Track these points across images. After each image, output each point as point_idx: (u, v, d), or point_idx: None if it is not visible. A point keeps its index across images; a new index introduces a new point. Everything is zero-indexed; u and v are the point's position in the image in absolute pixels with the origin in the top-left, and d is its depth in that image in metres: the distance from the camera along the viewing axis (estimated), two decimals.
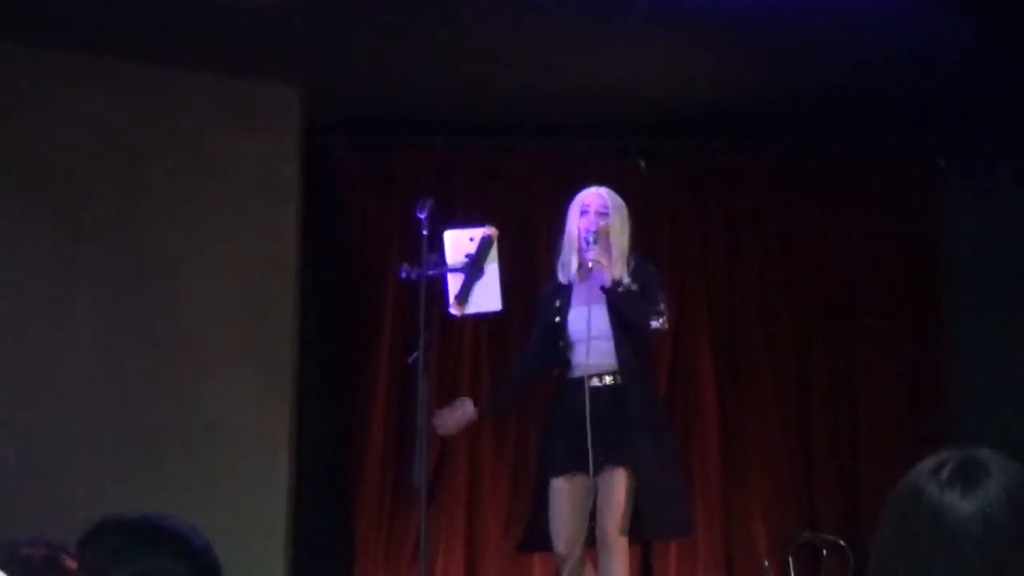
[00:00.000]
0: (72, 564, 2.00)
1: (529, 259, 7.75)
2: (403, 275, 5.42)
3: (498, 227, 5.59)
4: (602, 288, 5.67)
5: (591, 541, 5.65)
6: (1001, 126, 7.58)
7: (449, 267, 5.42)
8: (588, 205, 5.84)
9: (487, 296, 5.47)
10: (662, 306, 5.75)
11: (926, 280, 7.98)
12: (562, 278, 5.90)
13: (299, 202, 7.35)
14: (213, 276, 6.99)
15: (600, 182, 7.68)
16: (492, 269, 5.46)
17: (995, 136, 7.68)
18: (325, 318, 7.78)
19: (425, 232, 5.36)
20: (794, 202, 8.08)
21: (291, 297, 7.22)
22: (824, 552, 7.42)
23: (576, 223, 5.83)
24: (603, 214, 5.80)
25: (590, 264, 5.67)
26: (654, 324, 5.72)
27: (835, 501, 7.73)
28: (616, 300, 5.67)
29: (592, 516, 5.63)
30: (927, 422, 7.68)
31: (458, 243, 5.46)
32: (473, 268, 5.40)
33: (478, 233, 5.46)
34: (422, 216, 5.35)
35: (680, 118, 7.73)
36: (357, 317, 7.84)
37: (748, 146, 8.00)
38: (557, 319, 5.83)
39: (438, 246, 5.42)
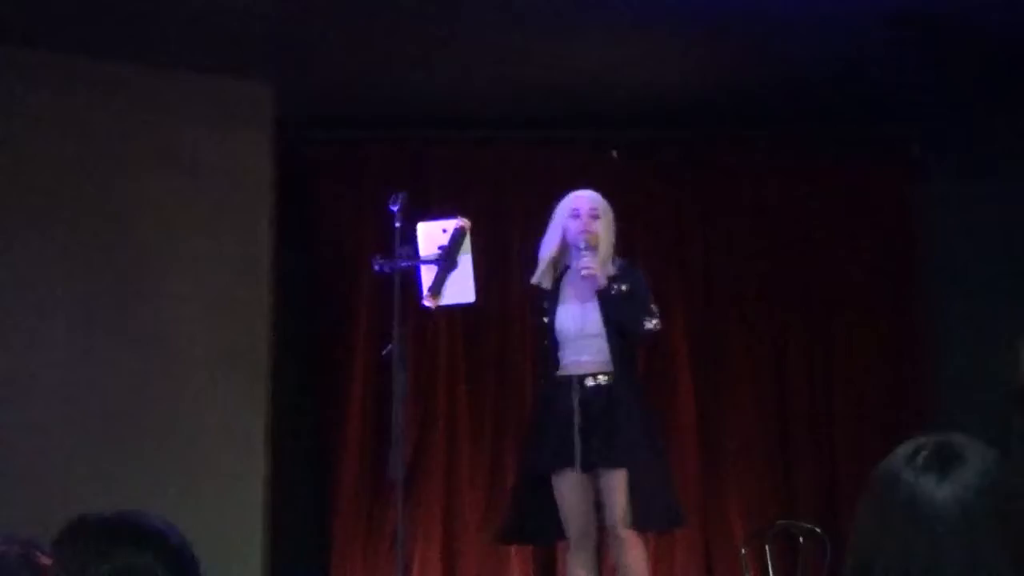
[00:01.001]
0: (46, 561, 2.00)
1: (504, 251, 7.75)
2: (376, 268, 5.42)
3: (472, 220, 5.58)
4: (597, 293, 5.70)
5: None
6: (976, 113, 7.61)
7: (422, 259, 5.41)
8: (579, 209, 5.86)
9: (461, 288, 5.46)
10: (654, 307, 5.78)
11: (903, 267, 8.00)
12: (545, 283, 5.92)
13: (273, 198, 7.34)
14: (187, 272, 6.97)
15: (575, 174, 7.71)
16: (465, 260, 5.45)
17: (969, 123, 7.70)
18: (300, 313, 7.78)
19: (398, 224, 5.35)
20: (770, 192, 8.09)
21: (266, 292, 7.21)
22: (801, 539, 7.44)
23: (564, 226, 5.83)
24: (595, 217, 5.81)
25: (583, 273, 5.68)
26: (647, 325, 5.74)
27: (812, 489, 7.75)
28: (610, 303, 5.70)
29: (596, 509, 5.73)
30: (905, 410, 7.70)
31: (431, 235, 5.45)
32: (446, 260, 5.39)
33: (451, 225, 5.45)
34: (395, 208, 5.34)
35: (654, 109, 7.74)
36: (332, 311, 7.84)
37: (723, 137, 8.02)
38: (545, 319, 5.87)
39: (411, 238, 5.42)
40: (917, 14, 6.47)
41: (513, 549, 7.46)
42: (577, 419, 5.63)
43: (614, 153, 7.89)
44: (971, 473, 1.95)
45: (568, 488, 5.71)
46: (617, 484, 5.62)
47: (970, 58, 7.03)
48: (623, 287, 5.75)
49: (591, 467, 5.63)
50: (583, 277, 5.70)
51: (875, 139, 8.11)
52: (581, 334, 5.76)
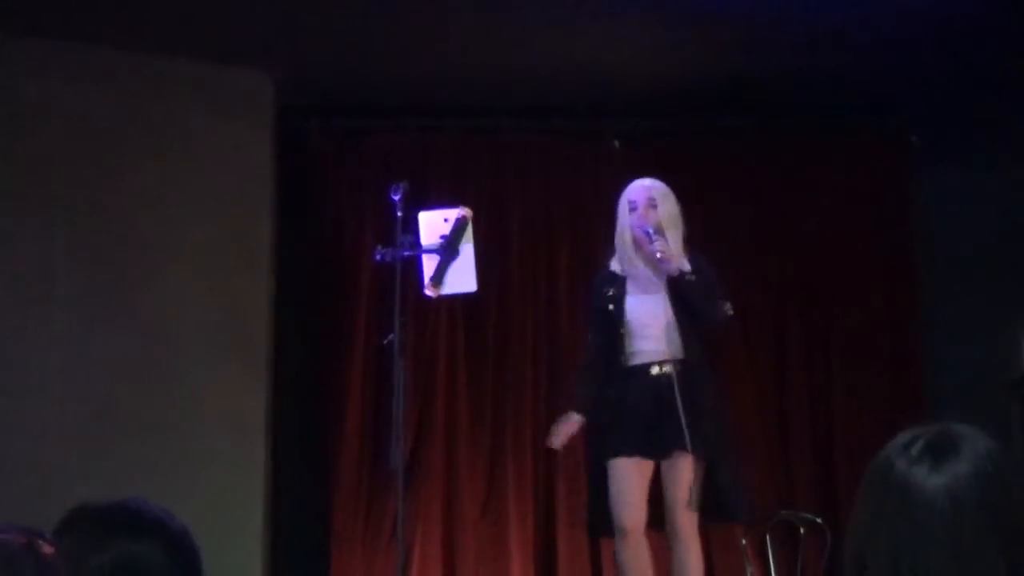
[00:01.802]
0: (49, 550, 2.00)
1: (504, 241, 7.76)
2: (378, 257, 5.43)
3: (473, 209, 5.58)
4: (670, 278, 5.68)
5: (655, 522, 5.76)
6: (974, 102, 7.60)
7: (424, 248, 5.41)
8: (635, 201, 5.84)
9: (462, 277, 5.47)
10: (722, 292, 5.77)
11: (900, 259, 7.99)
12: (616, 268, 5.90)
13: (273, 186, 7.34)
14: (188, 262, 6.97)
15: (576, 163, 7.73)
16: (467, 250, 5.45)
17: (968, 113, 7.69)
18: (300, 303, 7.77)
19: (399, 214, 5.36)
20: (769, 183, 8.07)
21: (266, 282, 7.21)
22: (801, 530, 7.43)
23: (627, 220, 5.81)
24: (652, 207, 5.80)
25: (658, 256, 5.65)
26: (725, 311, 5.75)
27: (812, 480, 7.74)
28: (685, 289, 5.68)
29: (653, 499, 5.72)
30: (904, 400, 7.70)
31: (433, 224, 5.45)
32: (448, 249, 5.40)
33: (452, 214, 5.46)
34: (396, 198, 5.34)
35: (653, 99, 7.73)
36: (332, 300, 7.83)
37: (724, 127, 8.01)
38: (611, 307, 5.82)
39: (412, 228, 5.42)
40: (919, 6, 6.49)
41: (513, 541, 7.47)
42: (678, 407, 5.57)
43: (616, 144, 7.87)
44: (964, 464, 1.95)
45: (629, 476, 5.69)
46: (686, 473, 5.60)
47: (970, 48, 7.03)
48: (692, 276, 5.73)
49: (666, 456, 5.62)
50: (659, 260, 5.67)
51: (874, 128, 8.10)
52: (652, 322, 5.73)
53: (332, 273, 7.85)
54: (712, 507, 5.69)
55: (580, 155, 7.85)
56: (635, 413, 5.68)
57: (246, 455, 6.96)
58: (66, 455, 6.50)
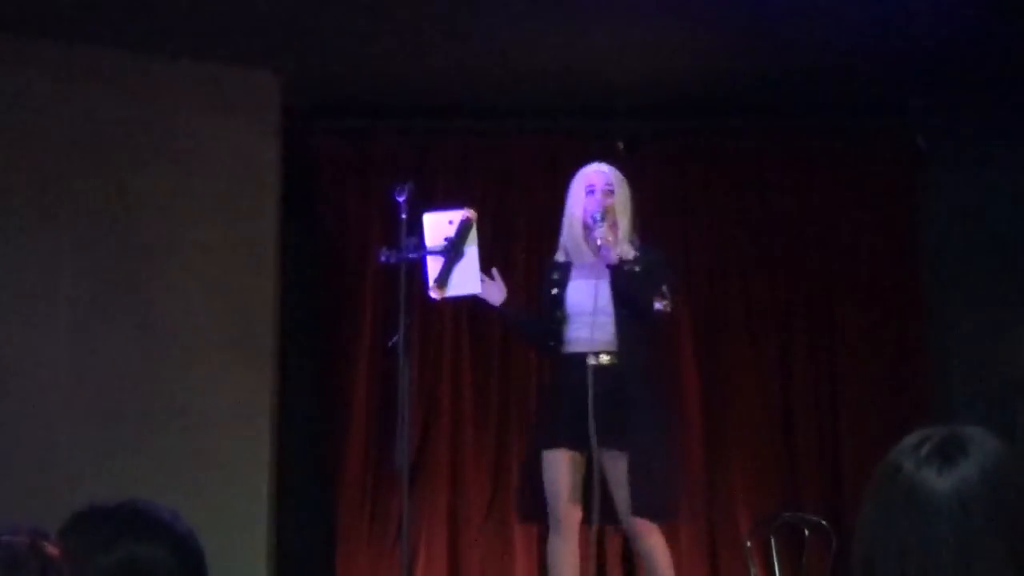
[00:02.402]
0: (54, 551, 1.99)
1: (507, 241, 7.75)
2: (383, 258, 5.43)
3: (476, 210, 5.58)
4: (609, 266, 5.67)
5: (587, 517, 5.78)
6: (981, 105, 7.59)
7: (428, 250, 5.42)
8: (593, 184, 5.87)
9: (467, 278, 5.47)
10: (665, 288, 5.73)
11: (907, 261, 7.96)
12: (561, 256, 5.92)
13: (279, 187, 7.34)
14: (193, 262, 6.97)
15: (580, 165, 7.70)
16: (471, 251, 5.46)
17: (975, 115, 7.69)
18: (305, 303, 7.77)
19: (404, 215, 5.36)
20: (774, 184, 8.05)
21: (271, 282, 7.21)
22: (807, 532, 7.42)
23: (580, 203, 5.83)
24: (609, 192, 5.82)
25: (599, 242, 5.67)
26: (657, 306, 5.71)
27: (817, 481, 7.73)
28: (621, 279, 5.66)
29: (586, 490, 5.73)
30: (910, 401, 7.68)
31: (437, 226, 5.45)
32: (452, 251, 5.40)
33: (457, 216, 5.46)
34: (401, 199, 5.34)
35: (659, 100, 7.73)
36: (337, 301, 7.84)
37: (728, 128, 8.00)
38: (554, 291, 5.85)
39: (417, 229, 5.42)
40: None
41: (518, 538, 7.47)
42: (589, 398, 5.59)
43: (620, 145, 7.87)
44: (973, 466, 1.95)
45: (558, 467, 5.71)
46: (609, 471, 5.60)
47: (977, 50, 7.02)
48: (636, 267, 5.72)
49: (599, 448, 5.61)
50: (598, 246, 5.68)
51: (880, 130, 8.08)
52: (591, 311, 5.72)
53: (337, 274, 7.85)
54: (636, 504, 5.65)
55: (584, 156, 7.83)
56: (566, 404, 5.70)
57: (251, 456, 6.96)
58: (71, 456, 6.50)
